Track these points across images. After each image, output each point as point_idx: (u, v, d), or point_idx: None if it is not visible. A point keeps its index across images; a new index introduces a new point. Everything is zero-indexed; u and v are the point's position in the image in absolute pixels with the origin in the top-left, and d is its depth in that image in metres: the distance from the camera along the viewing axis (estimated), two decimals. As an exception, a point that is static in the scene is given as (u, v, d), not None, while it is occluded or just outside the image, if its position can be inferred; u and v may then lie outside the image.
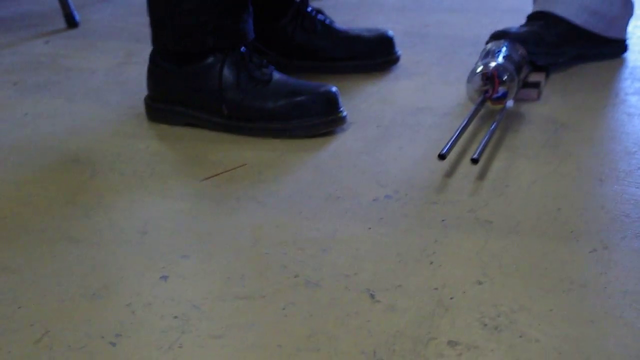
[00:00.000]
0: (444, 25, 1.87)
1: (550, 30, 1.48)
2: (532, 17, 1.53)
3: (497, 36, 1.46)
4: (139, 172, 1.16)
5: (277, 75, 1.30)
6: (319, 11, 1.60)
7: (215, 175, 1.15)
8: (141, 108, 1.41)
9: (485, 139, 1.13)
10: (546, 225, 0.98)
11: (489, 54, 1.34)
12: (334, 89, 1.28)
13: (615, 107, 1.35)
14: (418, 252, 0.93)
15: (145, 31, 1.83)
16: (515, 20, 1.81)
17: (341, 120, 1.28)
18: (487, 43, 1.47)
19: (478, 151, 1.10)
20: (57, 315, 0.84)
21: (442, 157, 1.09)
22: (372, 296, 0.85)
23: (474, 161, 1.09)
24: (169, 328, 0.81)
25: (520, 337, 0.78)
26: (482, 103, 1.27)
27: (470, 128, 1.27)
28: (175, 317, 0.83)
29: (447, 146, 1.11)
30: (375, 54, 1.57)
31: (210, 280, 0.89)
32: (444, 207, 1.03)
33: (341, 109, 1.28)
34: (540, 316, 0.81)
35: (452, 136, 1.14)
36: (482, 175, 1.11)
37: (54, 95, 1.49)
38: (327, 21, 1.59)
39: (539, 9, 1.52)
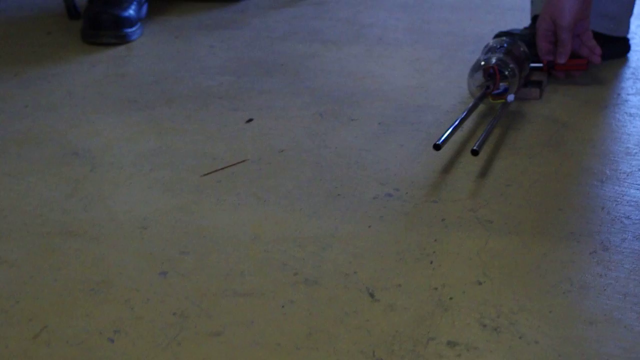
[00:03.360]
0: (445, 23, 1.87)
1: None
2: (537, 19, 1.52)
3: (502, 37, 1.46)
4: (139, 167, 1.16)
5: None
6: None
7: (216, 170, 1.14)
8: (142, 101, 1.40)
9: (486, 131, 1.13)
10: (546, 225, 0.98)
11: (490, 50, 1.34)
12: None
13: (617, 107, 1.34)
14: (418, 251, 0.93)
15: (147, 23, 1.83)
16: (518, 18, 1.81)
17: None
18: (490, 42, 1.47)
19: (478, 143, 1.09)
20: (56, 310, 0.84)
21: (437, 147, 1.09)
22: (372, 295, 0.85)
23: (474, 152, 1.08)
24: (168, 325, 0.81)
25: (520, 338, 0.78)
26: (482, 97, 1.26)
27: (471, 125, 1.27)
28: (174, 313, 0.83)
29: (443, 137, 1.10)
30: None
31: (210, 277, 0.89)
32: (445, 206, 1.03)
33: None
34: (540, 317, 0.81)
35: (449, 127, 1.13)
36: (482, 174, 1.11)
37: (54, 87, 1.49)
38: None
39: None
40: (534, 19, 1.53)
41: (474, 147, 1.09)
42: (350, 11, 1.98)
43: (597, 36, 1.51)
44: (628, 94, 1.40)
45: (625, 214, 1.00)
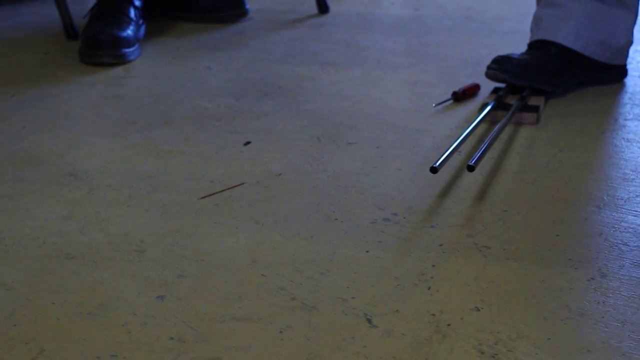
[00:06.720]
0: (443, 46, 1.87)
1: (552, 60, 1.48)
2: (534, 46, 1.52)
3: (499, 61, 1.46)
4: (137, 189, 1.16)
5: None
6: None
7: (214, 193, 1.14)
8: (140, 123, 1.40)
9: (483, 147, 1.13)
10: (544, 251, 0.98)
11: None
12: None
13: (614, 133, 1.35)
14: (416, 276, 0.93)
15: (145, 44, 1.83)
16: (515, 42, 1.81)
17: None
18: (488, 68, 1.46)
19: (475, 159, 1.09)
20: (53, 333, 0.83)
21: (434, 170, 1.09)
22: (369, 321, 0.85)
23: (470, 168, 1.08)
24: (165, 349, 0.80)
25: (518, 366, 0.77)
26: (479, 122, 1.26)
27: (469, 148, 1.27)
28: (172, 338, 0.82)
29: (440, 159, 1.10)
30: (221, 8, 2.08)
31: (207, 301, 0.89)
32: (443, 231, 1.03)
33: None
34: (537, 344, 0.80)
35: (446, 150, 1.13)
36: (480, 199, 1.11)
37: (52, 108, 1.49)
38: None
39: (540, 37, 1.51)
40: (530, 45, 1.54)
41: (470, 162, 1.08)
42: (349, 34, 1.98)
43: (595, 64, 1.52)
44: (625, 119, 1.40)
45: (623, 241, 1.00)
